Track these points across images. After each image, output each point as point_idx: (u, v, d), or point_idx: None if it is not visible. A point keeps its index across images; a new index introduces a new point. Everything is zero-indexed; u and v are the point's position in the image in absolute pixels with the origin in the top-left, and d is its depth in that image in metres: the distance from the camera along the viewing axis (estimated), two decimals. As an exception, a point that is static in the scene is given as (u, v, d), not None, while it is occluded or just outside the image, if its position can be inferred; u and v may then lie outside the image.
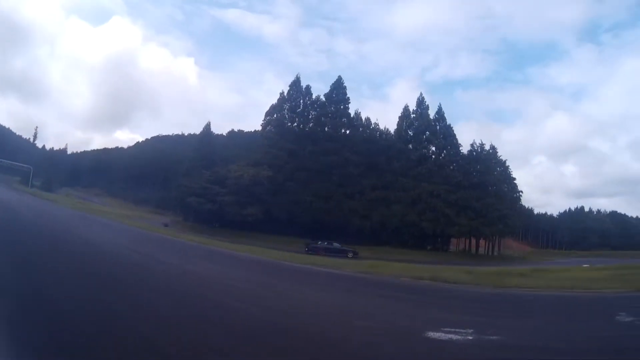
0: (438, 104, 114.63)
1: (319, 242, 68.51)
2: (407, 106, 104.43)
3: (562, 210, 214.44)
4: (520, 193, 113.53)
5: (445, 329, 11.98)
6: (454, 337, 11.32)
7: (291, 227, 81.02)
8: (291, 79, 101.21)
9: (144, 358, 8.11)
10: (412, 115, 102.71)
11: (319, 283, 24.82)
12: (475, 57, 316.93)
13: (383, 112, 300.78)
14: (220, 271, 24.83)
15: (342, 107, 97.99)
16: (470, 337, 11.52)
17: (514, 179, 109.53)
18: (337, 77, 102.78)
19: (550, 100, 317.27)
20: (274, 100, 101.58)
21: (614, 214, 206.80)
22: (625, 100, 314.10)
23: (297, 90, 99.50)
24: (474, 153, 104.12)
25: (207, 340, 9.45)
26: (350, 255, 63.79)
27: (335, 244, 68.86)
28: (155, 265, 22.24)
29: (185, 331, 10.02)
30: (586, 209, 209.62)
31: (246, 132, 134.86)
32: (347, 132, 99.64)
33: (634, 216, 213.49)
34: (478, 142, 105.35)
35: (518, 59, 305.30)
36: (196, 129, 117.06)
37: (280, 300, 16.34)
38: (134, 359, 8.05)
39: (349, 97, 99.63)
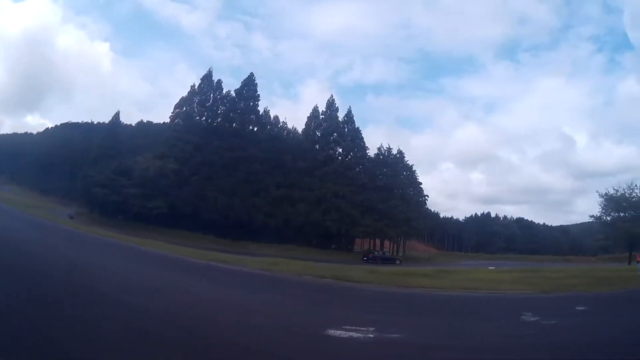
0: (348, 107, 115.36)
1: (376, 252, 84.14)
2: (317, 107, 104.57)
3: (468, 215, 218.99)
4: (426, 197, 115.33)
5: (346, 327, 11.97)
6: (354, 334, 11.31)
7: (196, 222, 79.51)
8: (204, 72, 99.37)
9: (39, 351, 7.84)
10: (321, 117, 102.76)
11: (219, 280, 24.58)
12: (390, 64, 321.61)
13: (293, 112, 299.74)
14: (121, 266, 24.25)
15: (251, 103, 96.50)
16: (371, 335, 11.50)
17: (420, 183, 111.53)
18: (249, 74, 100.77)
19: (462, 110, 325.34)
20: (185, 92, 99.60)
21: (520, 220, 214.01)
22: (537, 116, 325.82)
23: (208, 84, 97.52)
24: (381, 157, 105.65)
25: (100, 336, 9.22)
26: (397, 262, 72.76)
27: (387, 253, 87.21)
28: (51, 257, 21.70)
29: (80, 325, 9.78)
30: (492, 215, 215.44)
31: (155, 123, 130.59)
32: (255, 129, 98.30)
33: (541, 223, 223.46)
34: (386, 146, 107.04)
35: (433, 69, 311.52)
36: (107, 117, 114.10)
37: (178, 296, 16.12)
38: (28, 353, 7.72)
39: (259, 94, 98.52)
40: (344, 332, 11.51)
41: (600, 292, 27.51)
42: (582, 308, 20.10)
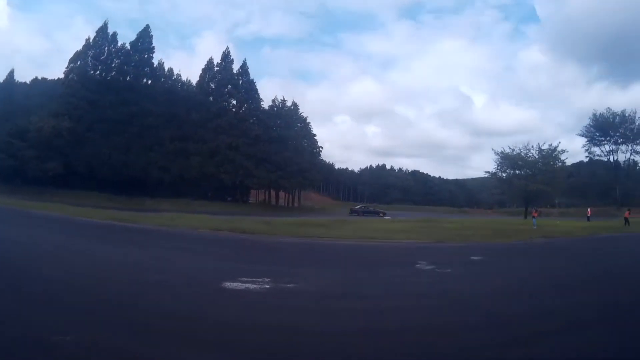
0: (243, 59, 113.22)
1: (359, 207, 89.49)
2: (212, 59, 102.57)
3: (364, 167, 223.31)
4: (321, 148, 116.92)
5: (242, 279, 11.87)
6: (250, 286, 11.20)
7: (92, 181, 77.15)
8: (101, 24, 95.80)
9: None
10: (215, 69, 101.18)
11: (116, 239, 23.62)
12: (289, 18, 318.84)
13: (190, 64, 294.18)
14: (18, 232, 22.96)
15: (146, 56, 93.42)
16: (267, 286, 11.44)
17: (315, 135, 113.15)
18: (145, 25, 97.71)
19: (360, 66, 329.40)
20: (80, 46, 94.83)
21: (415, 173, 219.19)
22: (436, 76, 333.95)
23: (103, 37, 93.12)
24: (275, 109, 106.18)
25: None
26: (381, 215, 74.43)
27: (370, 207, 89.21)
28: None
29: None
30: (388, 167, 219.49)
31: (50, 80, 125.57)
32: (149, 82, 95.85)
33: (436, 176, 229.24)
34: (280, 98, 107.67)
35: (333, 25, 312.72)
36: (1, 76, 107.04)
37: (73, 258, 15.46)
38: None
39: (154, 47, 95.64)
40: (240, 284, 11.40)
41: (496, 243, 28.46)
42: (477, 257, 20.57)
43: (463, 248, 25.23)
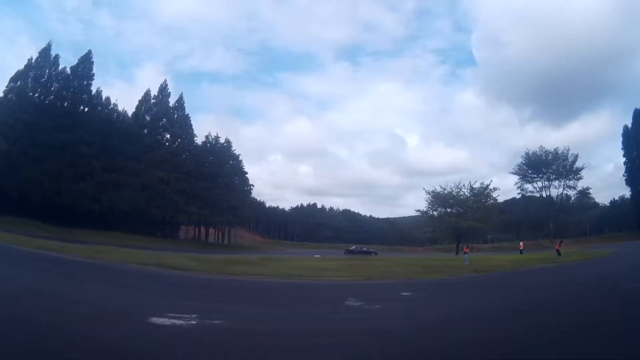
0: (180, 93, 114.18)
1: (353, 247, 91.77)
2: (149, 91, 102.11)
3: (294, 205, 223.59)
4: (252, 186, 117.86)
5: (169, 314, 11.81)
6: (177, 322, 11.15)
7: (25, 207, 74.73)
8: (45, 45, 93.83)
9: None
10: (152, 101, 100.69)
11: (41, 268, 23.33)
12: (229, 54, 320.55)
13: (127, 94, 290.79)
14: None
15: (85, 82, 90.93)
16: (194, 322, 11.38)
17: (246, 172, 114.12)
18: (87, 51, 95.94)
19: (296, 105, 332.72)
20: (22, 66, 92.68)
21: (347, 212, 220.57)
22: (370, 117, 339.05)
23: (45, 59, 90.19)
24: (209, 145, 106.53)
25: None
26: (373, 255, 75.75)
27: (364, 248, 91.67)
28: None
29: None
30: (319, 206, 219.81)
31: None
32: (86, 109, 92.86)
33: (367, 215, 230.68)
34: (214, 134, 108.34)
35: (272, 63, 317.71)
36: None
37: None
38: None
39: (94, 73, 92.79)
40: (167, 319, 11.30)
41: (427, 280, 28.76)
42: (407, 293, 20.84)
43: (393, 285, 25.36)
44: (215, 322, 11.80)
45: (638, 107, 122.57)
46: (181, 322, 11.18)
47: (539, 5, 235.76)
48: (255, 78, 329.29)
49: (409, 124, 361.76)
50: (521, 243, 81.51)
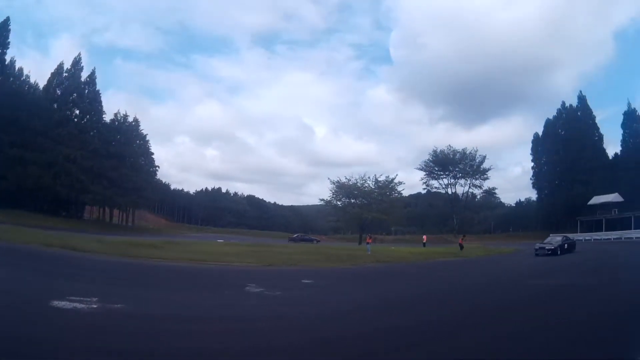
0: (93, 68, 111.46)
1: (296, 235, 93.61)
2: (62, 64, 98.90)
3: (199, 189, 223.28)
4: (157, 168, 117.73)
5: (71, 298, 11.66)
6: (78, 305, 11.03)
7: None
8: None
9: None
10: (65, 74, 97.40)
11: None
12: (146, 31, 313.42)
13: (41, 65, 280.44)
14: None
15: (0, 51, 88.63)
16: (95, 306, 11.26)
17: (153, 153, 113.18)
18: (5, 18, 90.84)
19: (207, 88, 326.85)
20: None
21: (251, 197, 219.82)
22: (281, 105, 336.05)
23: None
24: (117, 123, 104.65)
25: None
26: (314, 242, 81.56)
27: (306, 236, 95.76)
28: None
29: None
30: (224, 190, 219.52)
31: None
32: None
33: (272, 202, 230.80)
34: (123, 112, 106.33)
35: (187, 44, 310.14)
36: None
37: None
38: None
39: (9, 42, 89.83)
40: (68, 302, 11.16)
41: (329, 268, 29.50)
42: (308, 281, 21.14)
43: (295, 272, 25.91)
44: (116, 306, 11.69)
45: (550, 117, 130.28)
46: (82, 305, 11.06)
47: (460, 12, 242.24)
48: (170, 58, 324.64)
49: (319, 115, 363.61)
50: (424, 236, 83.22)
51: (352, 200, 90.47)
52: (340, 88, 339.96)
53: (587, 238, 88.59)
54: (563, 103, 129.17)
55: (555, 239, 45.93)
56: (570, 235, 53.01)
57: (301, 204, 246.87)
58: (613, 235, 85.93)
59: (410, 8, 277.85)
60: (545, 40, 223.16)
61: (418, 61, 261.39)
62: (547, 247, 42.67)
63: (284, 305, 14.39)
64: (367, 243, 51.60)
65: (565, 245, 43.88)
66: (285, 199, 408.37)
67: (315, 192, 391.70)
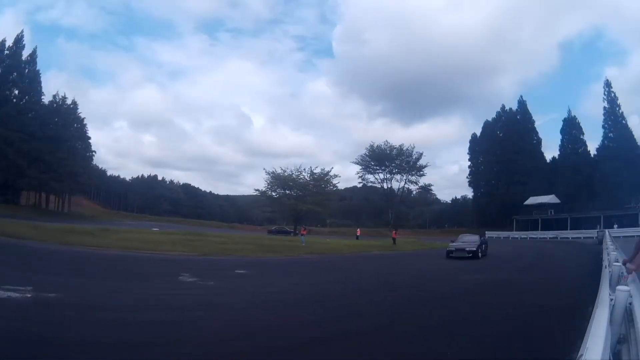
0: (34, 47, 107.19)
1: (275, 228, 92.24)
2: (5, 41, 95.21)
3: (135, 176, 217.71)
4: (94, 153, 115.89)
5: (5, 287, 11.66)
6: (12, 294, 11.07)
7: None
8: None
9: None
10: (6, 52, 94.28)
11: None
12: (91, 11, 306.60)
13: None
14: None
15: None
16: (29, 295, 11.30)
17: (90, 138, 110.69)
18: None
19: (147, 72, 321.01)
20: None
21: (187, 186, 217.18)
22: (220, 93, 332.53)
23: None
24: (55, 105, 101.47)
25: None
26: (291, 234, 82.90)
27: (284, 228, 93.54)
28: None
29: None
30: (160, 178, 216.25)
31: None
32: None
33: (207, 191, 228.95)
34: (62, 94, 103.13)
35: (131, 26, 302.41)
36: None
37: None
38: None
39: None
40: (2, 292, 11.17)
41: (263, 258, 29.91)
42: (242, 271, 21.53)
43: (229, 262, 26.18)
44: (50, 295, 11.74)
45: (489, 119, 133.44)
46: (17, 295, 11.10)
47: (407, 12, 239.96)
48: (112, 39, 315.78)
49: (258, 105, 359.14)
50: (358, 230, 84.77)
51: (287, 192, 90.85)
52: (281, 79, 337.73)
53: (522, 236, 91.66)
54: (503, 106, 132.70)
55: (471, 239, 41.66)
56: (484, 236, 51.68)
57: (237, 194, 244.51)
58: (549, 234, 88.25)
59: (356, 4, 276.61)
60: (490, 45, 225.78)
61: (360, 57, 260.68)
62: (467, 249, 36.25)
63: (217, 295, 14.69)
64: (302, 234, 52.69)
65: (483, 246, 40.53)
66: (221, 189, 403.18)
67: (251, 183, 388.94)
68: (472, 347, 9.05)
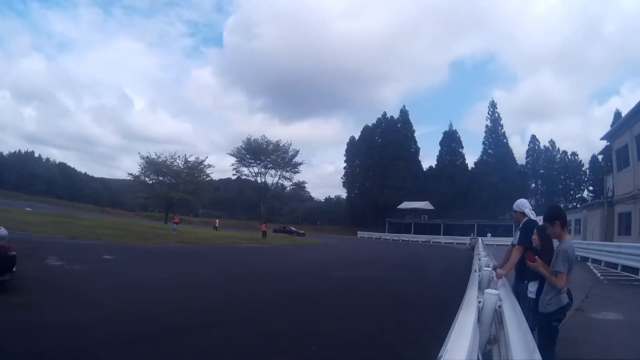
0: None
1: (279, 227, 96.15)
2: None
3: (13, 151, 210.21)
4: None
5: None
6: None
7: None
8: None
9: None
10: None
11: None
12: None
13: None
14: None
15: None
16: None
17: None
18: None
19: (37, 41, 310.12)
20: None
21: (63, 165, 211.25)
22: (104, 71, 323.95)
23: None
24: None
25: None
26: (295, 235, 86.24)
27: (289, 227, 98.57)
28: None
29: None
30: (36, 155, 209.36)
31: None
32: None
33: (83, 172, 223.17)
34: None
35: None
36: None
37: None
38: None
39: None
40: None
41: (133, 245, 29.64)
42: (109, 257, 21.13)
43: (98, 246, 25.67)
44: None
45: (368, 124, 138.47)
46: None
47: (303, 12, 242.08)
48: (8, 1, 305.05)
49: (141, 87, 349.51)
50: (217, 221, 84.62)
51: (161, 178, 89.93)
52: (167, 63, 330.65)
53: (394, 238, 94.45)
54: (385, 113, 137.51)
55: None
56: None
57: (112, 177, 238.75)
58: (422, 238, 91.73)
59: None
60: (381, 55, 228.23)
61: (248, 50, 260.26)
62: None
63: (81, 279, 14.22)
64: (174, 223, 52.57)
65: None
66: (97, 171, 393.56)
67: (127, 167, 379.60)
68: (335, 342, 9.03)
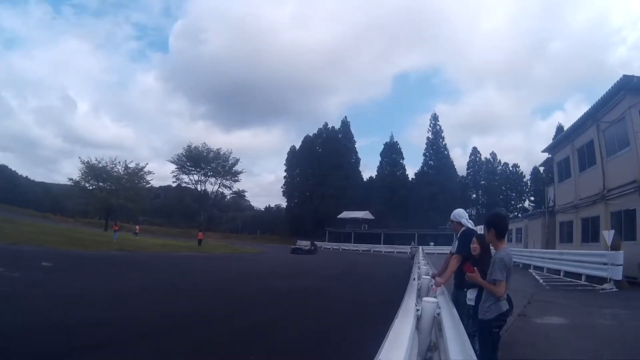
0: None
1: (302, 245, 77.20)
2: None
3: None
4: None
5: None
6: None
7: None
8: None
9: None
10: None
11: None
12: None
13: None
14: None
15: None
16: None
17: None
18: None
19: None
20: None
21: (4, 168, 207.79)
22: (49, 71, 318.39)
23: None
24: None
25: None
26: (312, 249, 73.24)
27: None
28: None
29: None
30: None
31: None
32: None
33: (24, 175, 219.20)
34: None
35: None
36: None
37: None
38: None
39: None
40: None
41: (72, 252, 29.19)
42: (48, 264, 20.81)
43: (38, 252, 25.22)
44: None
45: (310, 134, 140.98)
46: None
47: (251, 21, 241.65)
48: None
49: (85, 89, 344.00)
50: (137, 227, 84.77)
51: (101, 184, 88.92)
52: (112, 66, 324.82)
53: (335, 247, 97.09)
54: (326, 124, 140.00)
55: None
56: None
57: (53, 182, 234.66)
58: (362, 247, 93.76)
59: (202, 2, 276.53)
60: (324, 66, 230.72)
61: (193, 56, 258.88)
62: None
63: (21, 286, 14.09)
64: (114, 230, 52.22)
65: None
66: (37, 174, 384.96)
67: (67, 171, 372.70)
68: (276, 349, 9.03)
